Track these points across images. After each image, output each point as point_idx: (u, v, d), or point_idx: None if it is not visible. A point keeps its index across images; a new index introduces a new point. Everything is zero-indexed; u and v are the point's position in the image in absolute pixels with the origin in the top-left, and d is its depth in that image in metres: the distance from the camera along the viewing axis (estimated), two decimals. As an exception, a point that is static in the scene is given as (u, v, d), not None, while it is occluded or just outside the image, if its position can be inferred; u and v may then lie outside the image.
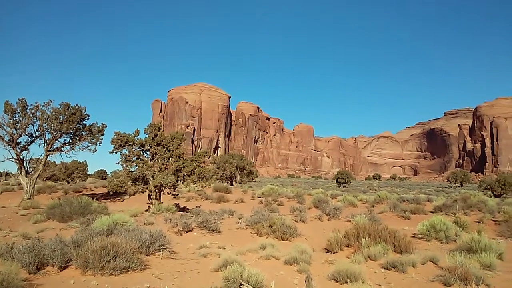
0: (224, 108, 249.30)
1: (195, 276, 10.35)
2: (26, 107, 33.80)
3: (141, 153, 29.22)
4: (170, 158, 29.28)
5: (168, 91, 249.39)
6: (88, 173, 74.53)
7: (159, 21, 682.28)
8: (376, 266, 11.23)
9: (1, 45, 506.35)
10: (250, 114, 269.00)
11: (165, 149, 29.00)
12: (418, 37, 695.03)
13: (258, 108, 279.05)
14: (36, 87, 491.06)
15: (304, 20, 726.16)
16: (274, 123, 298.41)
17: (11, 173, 74.82)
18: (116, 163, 28.67)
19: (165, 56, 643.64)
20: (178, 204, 29.88)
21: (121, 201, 36.24)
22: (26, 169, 34.94)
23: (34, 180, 35.18)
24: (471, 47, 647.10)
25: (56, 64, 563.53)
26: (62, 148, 36.77)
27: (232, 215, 24.39)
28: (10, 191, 42.94)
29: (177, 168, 28.87)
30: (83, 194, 37.49)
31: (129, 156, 28.65)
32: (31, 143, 35.37)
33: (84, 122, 37.14)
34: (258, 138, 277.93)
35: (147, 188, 28.24)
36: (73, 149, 37.18)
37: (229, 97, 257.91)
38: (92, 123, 38.12)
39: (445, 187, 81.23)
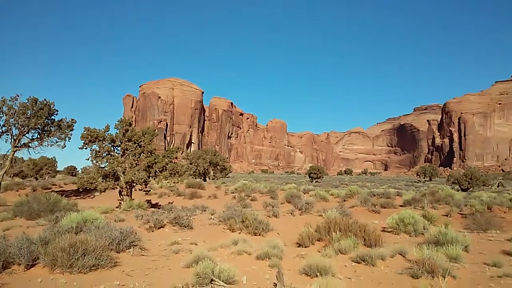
0: (197, 103, 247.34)
1: (166, 273, 10.29)
2: (-9, 102, 32.73)
3: (112, 149, 28.73)
4: (142, 154, 28.90)
5: (140, 86, 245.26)
6: (57, 169, 72.72)
7: (131, 15, 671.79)
8: (346, 260, 11.41)
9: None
10: (224, 110, 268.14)
11: (136, 144, 28.61)
12: (388, 34, 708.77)
13: (231, 103, 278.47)
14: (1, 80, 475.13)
15: (276, 14, 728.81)
16: (247, 118, 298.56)
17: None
18: (86, 159, 28.15)
19: (137, 50, 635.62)
20: (150, 200, 29.52)
21: (92, 198, 35.57)
22: (-9, 166, 33.89)
23: (1, 177, 34.24)
24: (441, 43, 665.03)
25: (24, 58, 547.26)
26: (30, 144, 35.84)
27: (205, 211, 24.31)
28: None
29: (149, 164, 28.55)
30: (52, 191, 36.62)
31: (99, 152, 28.13)
32: (-3, 139, 34.31)
33: (52, 117, 36.25)
34: (232, 133, 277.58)
35: (118, 184, 27.82)
36: (41, 145, 36.34)
37: (202, 92, 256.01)
38: (61, 118, 37.29)
39: (415, 182, 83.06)
